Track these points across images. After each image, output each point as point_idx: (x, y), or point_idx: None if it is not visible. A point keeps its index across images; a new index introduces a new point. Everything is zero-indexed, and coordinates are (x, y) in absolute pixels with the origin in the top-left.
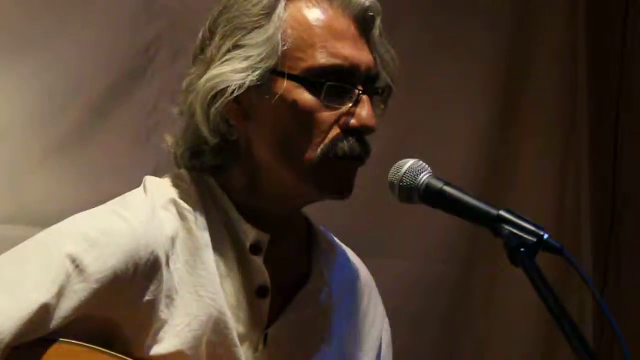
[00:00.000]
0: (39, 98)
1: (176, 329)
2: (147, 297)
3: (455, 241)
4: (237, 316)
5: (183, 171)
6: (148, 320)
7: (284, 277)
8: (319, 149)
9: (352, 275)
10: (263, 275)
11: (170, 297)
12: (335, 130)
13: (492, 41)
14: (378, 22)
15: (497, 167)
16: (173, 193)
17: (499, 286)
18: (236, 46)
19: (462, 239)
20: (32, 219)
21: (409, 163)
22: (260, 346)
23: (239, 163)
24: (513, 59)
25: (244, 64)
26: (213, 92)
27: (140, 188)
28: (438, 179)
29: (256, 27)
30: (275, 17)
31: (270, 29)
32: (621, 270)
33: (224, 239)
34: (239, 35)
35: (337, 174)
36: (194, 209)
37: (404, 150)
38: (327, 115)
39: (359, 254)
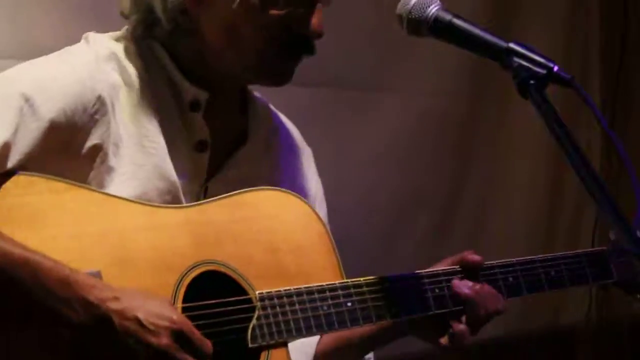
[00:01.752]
0: None
1: (122, 177)
2: (95, 141)
3: (463, 75)
4: (178, 168)
5: (124, 32)
6: (96, 164)
7: (223, 135)
8: (267, 49)
9: (288, 138)
10: (202, 130)
11: (116, 145)
12: (286, 33)
13: None
14: None
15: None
16: (114, 47)
17: (507, 119)
18: None
19: (470, 72)
20: (33, 54)
21: None
22: (202, 198)
23: (189, 39)
24: None
25: None
26: None
27: (82, 41)
28: (447, 11)
29: None
30: None
31: None
32: (632, 111)
33: (165, 96)
34: None
35: (280, 70)
36: (135, 65)
37: None
38: (280, 17)
39: (366, 90)
